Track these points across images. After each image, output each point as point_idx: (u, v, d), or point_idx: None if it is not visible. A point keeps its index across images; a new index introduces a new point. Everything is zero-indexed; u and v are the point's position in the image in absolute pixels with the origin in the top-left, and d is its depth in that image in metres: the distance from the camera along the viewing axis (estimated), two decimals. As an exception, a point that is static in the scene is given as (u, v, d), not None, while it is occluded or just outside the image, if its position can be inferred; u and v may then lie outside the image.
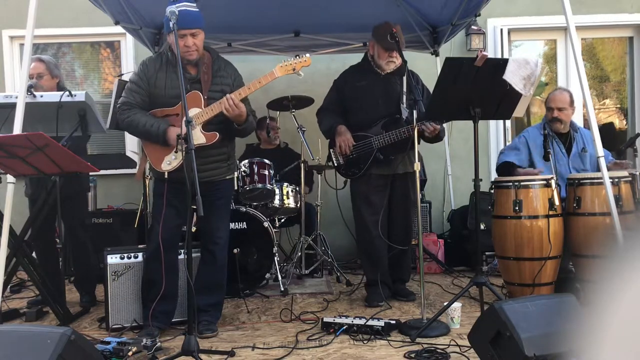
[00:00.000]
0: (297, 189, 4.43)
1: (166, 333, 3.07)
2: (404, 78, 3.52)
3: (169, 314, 3.12)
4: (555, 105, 3.82)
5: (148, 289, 3.05)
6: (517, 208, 3.38)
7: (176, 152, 2.81)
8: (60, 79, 3.82)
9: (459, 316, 3.06)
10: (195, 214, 2.47)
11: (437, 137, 3.50)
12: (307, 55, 2.95)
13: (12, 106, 3.01)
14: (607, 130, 5.60)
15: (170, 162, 2.95)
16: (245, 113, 2.92)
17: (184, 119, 2.57)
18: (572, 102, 3.86)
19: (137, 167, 3.15)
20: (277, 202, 4.27)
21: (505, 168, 3.80)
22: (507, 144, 5.56)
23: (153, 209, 3.12)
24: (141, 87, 2.97)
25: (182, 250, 3.20)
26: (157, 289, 2.98)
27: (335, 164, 3.69)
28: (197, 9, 2.91)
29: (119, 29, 4.58)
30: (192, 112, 2.89)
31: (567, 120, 3.85)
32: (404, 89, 3.53)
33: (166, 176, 2.94)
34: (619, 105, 6.02)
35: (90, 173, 3.76)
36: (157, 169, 3.00)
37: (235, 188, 4.06)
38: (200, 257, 3.15)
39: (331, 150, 3.70)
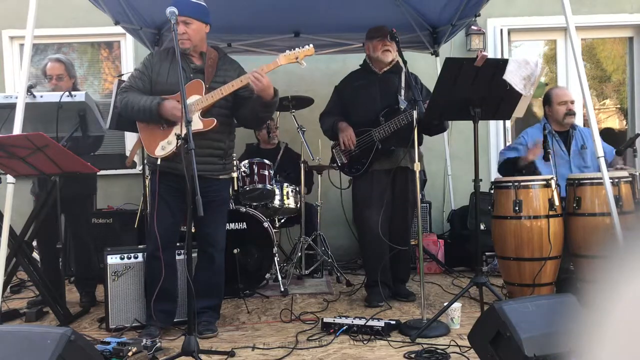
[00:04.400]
0: (297, 189, 4.43)
1: (167, 333, 3.07)
2: (402, 74, 3.57)
3: (170, 313, 3.12)
4: (568, 99, 3.86)
5: (148, 287, 3.07)
6: (517, 208, 3.38)
7: (178, 140, 2.75)
8: (75, 79, 3.83)
9: (459, 316, 3.06)
10: (193, 214, 2.46)
11: (440, 127, 3.51)
12: (310, 45, 2.93)
13: (12, 106, 3.01)
14: (606, 135, 5.60)
15: (164, 147, 2.95)
16: (272, 86, 2.92)
17: (184, 119, 2.56)
18: None
19: (130, 151, 3.14)
20: (277, 202, 4.27)
21: (507, 166, 3.82)
22: (507, 144, 5.58)
23: (150, 207, 3.10)
24: (144, 73, 3.05)
25: (182, 251, 3.20)
26: (155, 286, 2.98)
27: (339, 164, 3.70)
28: (199, 1, 2.98)
29: (119, 29, 4.58)
30: (192, 99, 2.92)
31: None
32: (402, 84, 3.57)
33: (159, 162, 2.93)
34: (619, 106, 6.02)
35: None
36: (150, 155, 3.00)
37: (235, 188, 4.06)
38: (198, 260, 3.12)
39: (334, 150, 3.71)
